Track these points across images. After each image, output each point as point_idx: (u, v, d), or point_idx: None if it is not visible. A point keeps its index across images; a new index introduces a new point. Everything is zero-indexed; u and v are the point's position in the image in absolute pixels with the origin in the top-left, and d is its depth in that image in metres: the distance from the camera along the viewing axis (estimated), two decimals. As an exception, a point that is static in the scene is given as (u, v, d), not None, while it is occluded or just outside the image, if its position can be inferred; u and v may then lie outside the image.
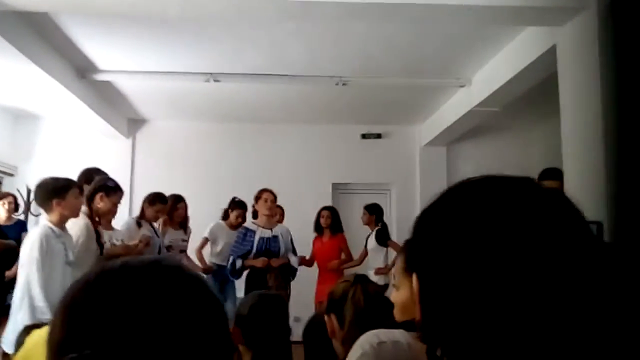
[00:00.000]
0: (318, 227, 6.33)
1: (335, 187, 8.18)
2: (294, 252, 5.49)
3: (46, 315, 3.18)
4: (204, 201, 6.79)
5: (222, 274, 5.77)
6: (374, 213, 6.48)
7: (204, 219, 6.27)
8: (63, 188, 3.58)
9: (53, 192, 3.55)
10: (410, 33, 4.96)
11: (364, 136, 8.19)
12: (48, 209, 3.57)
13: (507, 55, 5.26)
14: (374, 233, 6.40)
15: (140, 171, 7.87)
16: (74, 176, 4.25)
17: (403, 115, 7.75)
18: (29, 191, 7.55)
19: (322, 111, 7.53)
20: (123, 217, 5.44)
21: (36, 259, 3.33)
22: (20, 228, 6.00)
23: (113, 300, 0.66)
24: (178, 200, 5.78)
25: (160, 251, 5.19)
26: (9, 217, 6.00)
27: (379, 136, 8.21)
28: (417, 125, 8.12)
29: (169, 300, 0.68)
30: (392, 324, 1.62)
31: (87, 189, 4.14)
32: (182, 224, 5.83)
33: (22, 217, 7.17)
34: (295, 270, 5.43)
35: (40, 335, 2.09)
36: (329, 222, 6.24)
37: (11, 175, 7.33)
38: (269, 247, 5.20)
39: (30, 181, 7.59)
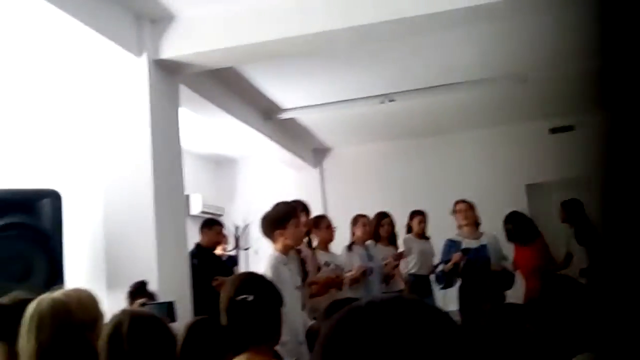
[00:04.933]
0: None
1: (530, 188, 7.75)
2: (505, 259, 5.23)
3: (284, 336, 3.39)
4: (397, 218, 6.76)
5: (422, 285, 5.73)
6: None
7: (401, 235, 6.18)
8: (284, 219, 3.78)
9: (276, 223, 3.78)
10: (587, 14, 4.57)
11: (552, 131, 7.68)
12: (273, 239, 3.79)
13: None
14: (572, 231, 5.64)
15: (331, 198, 8.18)
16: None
17: (595, 101, 7.11)
18: (236, 228, 8.26)
19: (502, 112, 7.21)
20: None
21: None
22: (231, 263, 6.59)
23: (360, 337, 0.69)
24: (382, 217, 5.83)
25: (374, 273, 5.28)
26: (222, 254, 6.60)
27: (570, 128, 7.62)
28: (612, 109, 7.41)
29: (413, 336, 0.69)
30: None
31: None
32: (391, 239, 5.84)
33: (233, 252, 7.86)
34: (513, 276, 5.11)
35: None
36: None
37: (220, 215, 8.05)
38: (478, 258, 5.02)
39: (236, 219, 8.32)
